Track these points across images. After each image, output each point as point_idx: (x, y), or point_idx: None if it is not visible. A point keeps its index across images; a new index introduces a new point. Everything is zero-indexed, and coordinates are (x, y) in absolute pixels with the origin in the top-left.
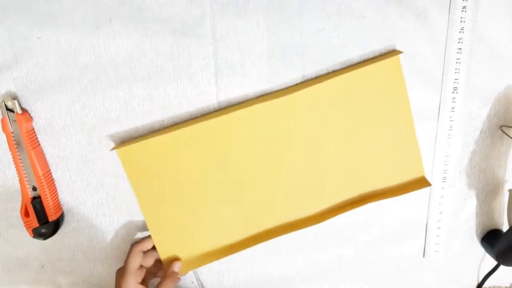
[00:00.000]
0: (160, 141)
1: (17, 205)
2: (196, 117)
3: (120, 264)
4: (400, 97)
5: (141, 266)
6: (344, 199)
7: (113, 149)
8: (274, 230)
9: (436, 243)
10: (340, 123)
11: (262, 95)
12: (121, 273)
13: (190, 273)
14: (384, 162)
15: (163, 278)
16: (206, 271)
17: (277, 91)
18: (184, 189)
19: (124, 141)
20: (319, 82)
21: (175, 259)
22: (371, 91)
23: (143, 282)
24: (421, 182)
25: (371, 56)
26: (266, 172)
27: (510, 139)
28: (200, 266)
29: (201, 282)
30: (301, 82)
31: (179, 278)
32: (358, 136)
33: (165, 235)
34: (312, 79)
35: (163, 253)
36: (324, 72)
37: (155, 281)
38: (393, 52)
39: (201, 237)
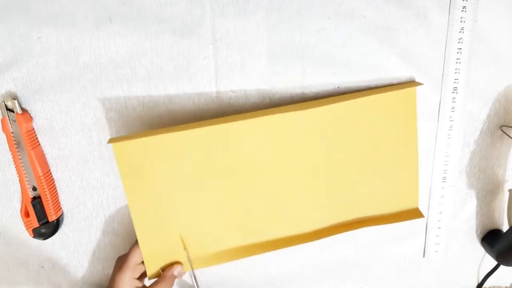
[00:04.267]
0: (159, 140)
1: (17, 205)
2: (196, 117)
3: None
4: (409, 129)
5: (142, 262)
6: (339, 220)
7: (110, 142)
8: (264, 244)
9: (436, 243)
10: (345, 146)
11: (269, 108)
12: (120, 264)
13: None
14: (383, 190)
15: (160, 279)
16: (205, 271)
17: (286, 105)
18: (178, 192)
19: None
20: (331, 102)
21: (159, 261)
22: (381, 118)
23: (140, 278)
24: (415, 213)
25: (371, 55)
26: (264, 184)
27: (510, 139)
28: (187, 270)
29: (197, 282)
30: (313, 100)
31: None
32: (361, 161)
33: (151, 237)
34: (324, 97)
35: (147, 254)
36: (325, 72)
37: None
38: (411, 83)
39: (190, 243)
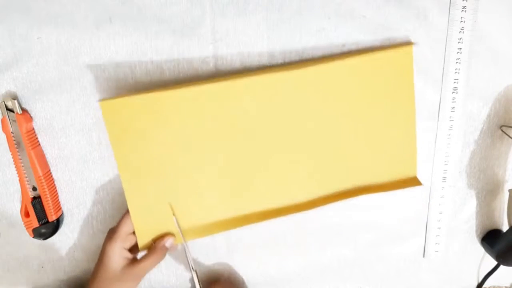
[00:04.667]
0: (150, 100)
1: (17, 205)
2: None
3: None
4: (406, 91)
5: (134, 233)
6: (336, 189)
7: (99, 101)
8: (258, 214)
9: (436, 243)
10: (341, 109)
11: (265, 67)
12: (110, 234)
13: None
14: (380, 156)
15: (150, 250)
16: (205, 271)
17: (281, 65)
18: (169, 157)
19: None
20: (327, 62)
21: (150, 232)
22: (377, 78)
23: (132, 250)
24: (413, 181)
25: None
26: (258, 150)
27: (510, 139)
28: (179, 242)
29: (190, 254)
30: (308, 60)
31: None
32: (357, 125)
33: (143, 206)
34: (321, 57)
35: (138, 225)
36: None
37: None
38: (406, 43)
39: (182, 212)
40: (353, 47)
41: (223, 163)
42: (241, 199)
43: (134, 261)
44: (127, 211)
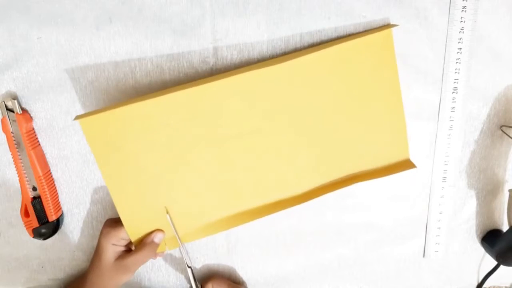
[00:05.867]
0: (129, 111)
1: (17, 205)
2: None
3: None
4: (390, 74)
5: None
6: (330, 179)
7: (76, 119)
8: (253, 211)
9: (436, 243)
10: (327, 99)
11: (247, 65)
12: (105, 226)
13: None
14: (371, 142)
15: (139, 245)
16: (206, 271)
17: (264, 60)
18: (156, 163)
19: None
20: (308, 53)
21: (143, 230)
22: (360, 65)
23: (128, 245)
24: (406, 164)
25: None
26: (247, 147)
27: (510, 139)
28: (174, 248)
29: (186, 252)
30: (288, 53)
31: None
32: (345, 113)
33: (133, 211)
34: (300, 49)
35: (130, 228)
36: None
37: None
38: (387, 26)
39: (175, 215)
40: None
41: (212, 164)
42: (237, 197)
43: (125, 254)
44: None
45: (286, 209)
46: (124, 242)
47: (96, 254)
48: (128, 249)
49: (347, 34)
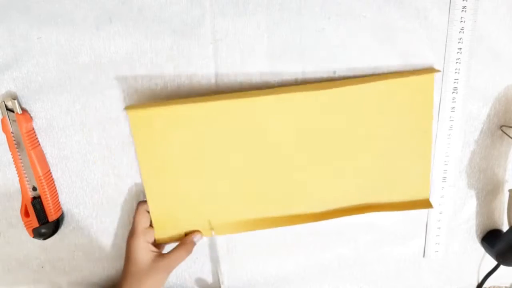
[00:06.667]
0: (176, 111)
1: (17, 205)
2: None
3: (120, 264)
4: (425, 117)
5: (151, 226)
6: (349, 204)
7: (126, 108)
8: (272, 220)
9: (436, 243)
10: (362, 128)
11: (289, 85)
12: (130, 234)
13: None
14: (394, 177)
15: (180, 244)
16: (207, 271)
17: (305, 83)
18: (191, 163)
19: (124, 139)
20: (348, 84)
21: (169, 228)
22: (397, 103)
23: (156, 245)
24: (424, 204)
25: (371, 55)
26: (278, 162)
27: (510, 139)
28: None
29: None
30: (331, 80)
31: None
32: (376, 145)
33: (164, 210)
34: (342, 78)
35: (157, 222)
36: (325, 72)
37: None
38: (429, 69)
39: (200, 214)
40: (353, 47)
41: (243, 171)
42: (259, 205)
43: (161, 255)
44: (136, 208)
45: (303, 224)
46: (152, 237)
47: (128, 260)
48: (159, 251)
49: (347, 35)
